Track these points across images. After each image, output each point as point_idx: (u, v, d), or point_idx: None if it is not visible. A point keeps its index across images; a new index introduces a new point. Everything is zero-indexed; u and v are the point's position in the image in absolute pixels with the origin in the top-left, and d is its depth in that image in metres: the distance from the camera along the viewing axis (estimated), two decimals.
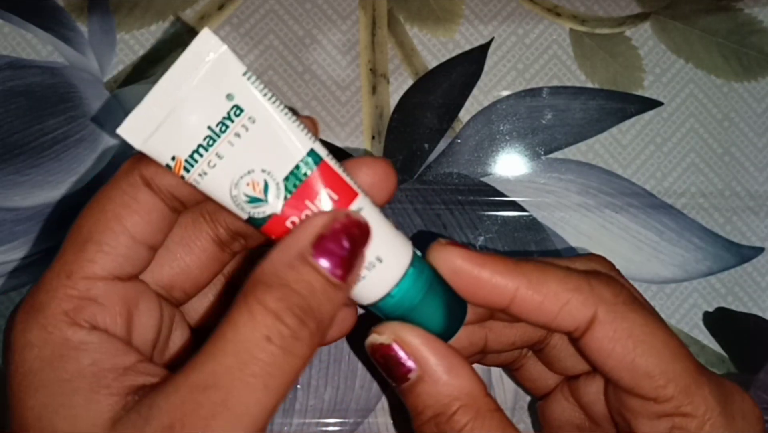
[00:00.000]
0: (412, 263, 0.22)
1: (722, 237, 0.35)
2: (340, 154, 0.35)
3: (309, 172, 0.21)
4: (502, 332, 0.27)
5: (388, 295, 0.22)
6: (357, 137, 0.35)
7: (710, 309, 0.35)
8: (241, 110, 0.20)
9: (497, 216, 0.35)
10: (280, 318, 0.19)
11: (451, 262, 0.23)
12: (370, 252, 0.22)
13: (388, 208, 0.35)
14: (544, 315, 0.23)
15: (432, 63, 0.36)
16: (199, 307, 0.26)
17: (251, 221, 0.21)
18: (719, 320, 0.35)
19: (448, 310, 0.23)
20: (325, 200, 0.21)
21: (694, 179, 0.36)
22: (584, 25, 0.36)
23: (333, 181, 0.21)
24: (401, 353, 0.22)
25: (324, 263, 0.20)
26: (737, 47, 0.36)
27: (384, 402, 0.34)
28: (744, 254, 0.35)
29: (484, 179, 0.35)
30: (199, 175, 0.21)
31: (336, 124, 0.35)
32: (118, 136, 0.21)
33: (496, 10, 0.36)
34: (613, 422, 0.26)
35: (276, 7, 0.36)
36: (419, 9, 0.36)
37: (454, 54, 0.36)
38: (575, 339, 0.24)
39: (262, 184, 0.21)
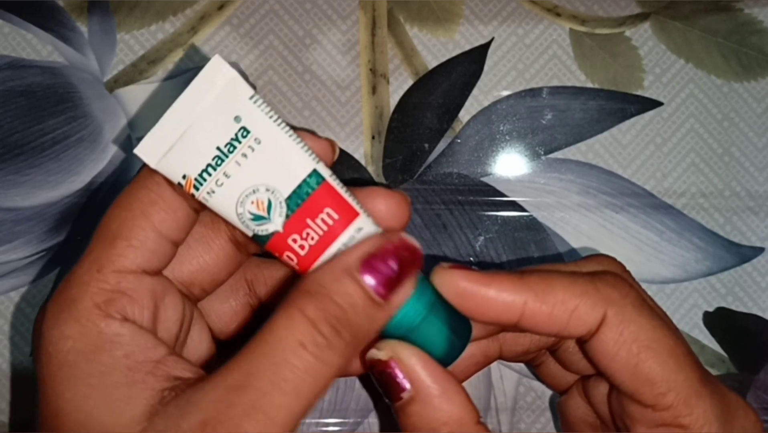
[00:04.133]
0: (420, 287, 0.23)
1: (722, 237, 0.35)
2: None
3: (311, 192, 0.22)
4: (515, 342, 0.27)
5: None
6: (357, 137, 0.35)
7: (710, 309, 0.35)
8: (248, 132, 0.22)
9: (497, 216, 0.35)
10: (316, 326, 0.20)
11: (456, 285, 0.23)
12: None
13: None
14: (555, 325, 0.23)
15: (432, 63, 0.36)
16: (219, 310, 0.26)
17: (255, 238, 0.23)
18: (719, 320, 0.35)
19: (450, 331, 0.23)
20: (325, 219, 0.22)
21: (694, 179, 0.36)
22: (584, 25, 0.36)
23: (334, 201, 0.22)
24: (397, 372, 0.23)
25: (369, 280, 0.21)
26: (737, 47, 0.36)
27: (384, 402, 0.34)
28: (744, 254, 0.35)
29: (484, 179, 0.35)
30: (208, 193, 0.22)
31: (336, 124, 0.35)
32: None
33: (496, 10, 0.36)
34: (614, 426, 0.26)
35: (276, 7, 0.36)
36: (419, 9, 0.36)
37: (454, 54, 0.36)
38: (583, 342, 0.24)
39: (266, 203, 0.22)
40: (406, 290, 0.21)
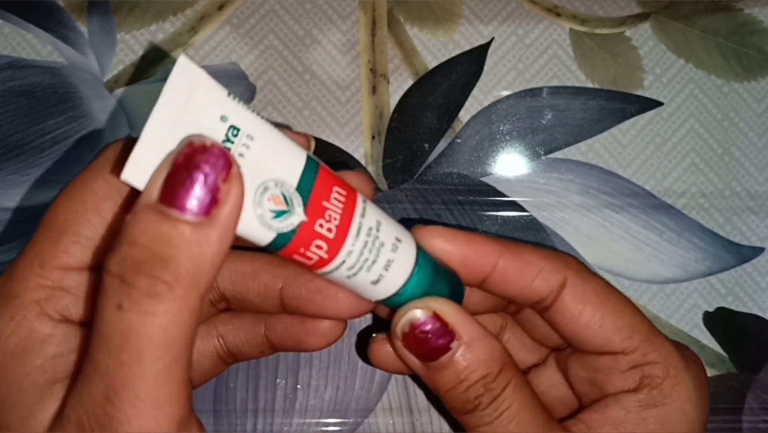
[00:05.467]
0: (418, 248, 0.23)
1: (722, 237, 0.35)
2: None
3: (315, 176, 0.21)
4: (480, 302, 0.28)
5: (415, 267, 0.23)
6: (357, 137, 0.35)
7: (710, 309, 0.35)
8: (238, 129, 0.20)
9: (497, 216, 0.35)
10: (124, 280, 0.17)
11: (439, 242, 0.24)
12: (390, 236, 0.22)
13: (389, 207, 0.35)
14: (522, 281, 0.25)
15: (432, 63, 0.36)
16: None
17: (277, 240, 0.21)
18: (719, 320, 0.35)
19: (452, 282, 0.24)
20: (337, 198, 0.21)
21: (694, 179, 0.36)
22: (584, 25, 0.36)
23: (335, 181, 0.22)
24: (441, 325, 0.23)
25: (174, 206, 0.18)
26: (737, 47, 0.36)
27: (384, 402, 0.34)
28: (744, 254, 0.35)
29: (484, 179, 0.35)
30: None
31: (336, 124, 0.35)
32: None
33: (496, 10, 0.36)
34: (578, 401, 0.27)
35: (276, 7, 0.36)
36: (419, 9, 0.36)
37: (454, 54, 0.36)
38: (546, 307, 0.25)
39: (281, 197, 0.20)
40: (230, 195, 0.18)
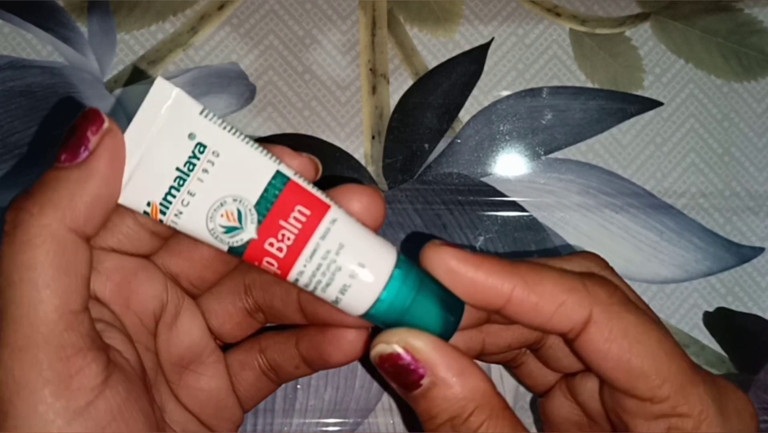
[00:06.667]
0: (397, 265, 0.22)
1: (722, 237, 0.35)
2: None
3: (278, 193, 0.22)
4: (498, 335, 0.27)
5: (378, 300, 0.22)
6: (357, 137, 0.35)
7: (710, 309, 0.35)
8: (204, 146, 0.21)
9: (497, 216, 0.35)
10: (8, 221, 0.20)
11: (446, 263, 0.22)
12: (350, 261, 0.22)
13: (389, 207, 0.35)
14: (540, 316, 0.23)
15: (432, 63, 0.36)
16: (215, 309, 0.26)
17: (231, 251, 0.22)
18: (719, 320, 0.35)
19: (444, 309, 0.23)
20: (297, 217, 0.22)
21: (694, 179, 0.36)
22: (584, 25, 0.36)
23: (303, 198, 0.22)
24: (411, 360, 0.22)
25: (57, 160, 0.21)
26: (737, 47, 0.36)
27: (384, 402, 0.34)
28: (744, 254, 0.35)
29: (484, 179, 0.35)
30: (175, 215, 0.22)
31: (336, 124, 0.35)
32: None
33: (496, 10, 0.36)
34: (608, 421, 0.26)
35: (276, 7, 0.36)
36: (419, 9, 0.36)
37: (454, 54, 0.36)
38: (570, 340, 0.24)
39: (235, 213, 0.22)
40: (100, 144, 0.21)
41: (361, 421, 0.34)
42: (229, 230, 0.22)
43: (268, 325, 0.27)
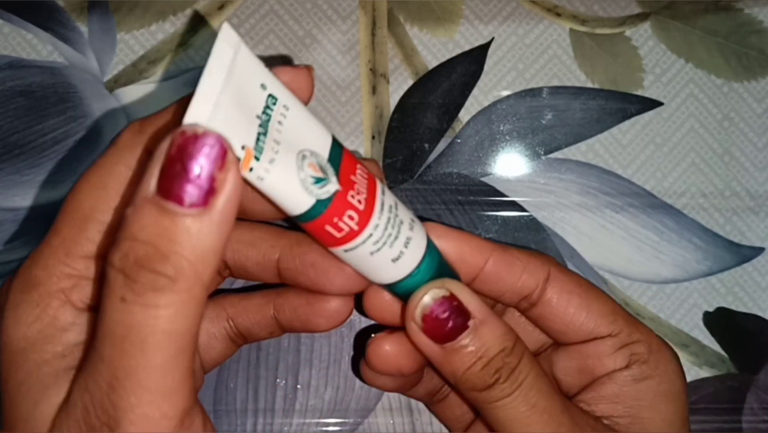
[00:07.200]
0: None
1: (722, 237, 0.35)
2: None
3: (340, 152, 0.22)
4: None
5: (428, 247, 0.24)
6: (357, 137, 0.35)
7: (710, 309, 0.35)
8: (276, 99, 0.21)
9: (497, 216, 0.35)
10: (127, 275, 0.18)
11: (436, 238, 0.25)
12: (406, 214, 0.23)
13: None
14: (512, 275, 0.26)
15: (432, 63, 0.36)
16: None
17: (316, 206, 0.21)
18: (719, 320, 0.35)
19: (452, 274, 0.25)
20: (361, 174, 0.22)
21: (694, 179, 0.36)
22: (584, 25, 0.36)
23: (357, 161, 0.23)
24: (457, 304, 0.24)
25: (171, 198, 0.17)
26: (737, 47, 0.36)
27: (384, 402, 0.34)
28: (744, 254, 0.35)
29: (484, 179, 0.35)
30: (270, 162, 0.20)
31: (336, 124, 0.35)
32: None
33: (496, 10, 0.36)
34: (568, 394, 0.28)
35: (276, 7, 0.36)
36: (419, 9, 0.36)
37: (454, 54, 0.36)
38: (533, 304, 0.26)
39: (317, 165, 0.21)
40: (229, 185, 0.18)
41: (361, 421, 0.34)
42: (318, 180, 0.21)
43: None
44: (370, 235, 0.22)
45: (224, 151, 0.18)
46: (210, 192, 0.18)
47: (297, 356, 0.34)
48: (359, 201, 0.22)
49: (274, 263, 0.25)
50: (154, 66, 0.35)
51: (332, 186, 0.21)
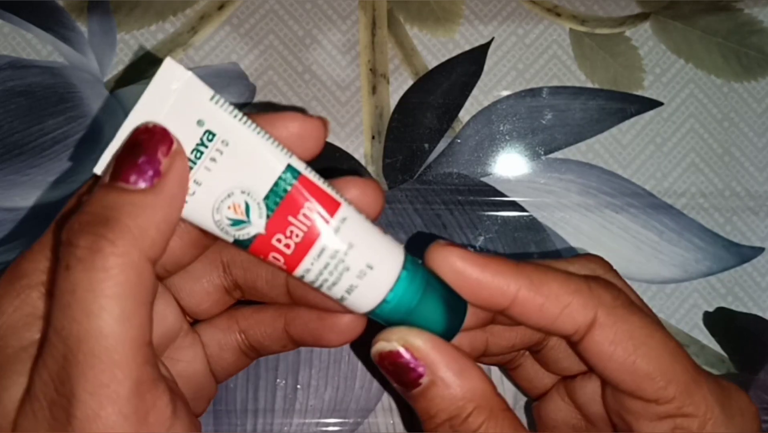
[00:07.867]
0: (404, 266, 0.22)
1: (722, 237, 0.35)
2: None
3: (288, 188, 0.21)
4: (502, 335, 0.27)
5: (383, 301, 0.22)
6: (357, 137, 0.35)
7: (710, 309, 0.35)
8: (213, 134, 0.21)
9: (497, 216, 0.35)
10: (70, 242, 0.19)
11: (452, 263, 0.22)
12: (359, 262, 0.21)
13: (389, 207, 0.35)
14: (545, 317, 0.23)
15: (432, 63, 0.36)
16: (190, 289, 0.26)
17: (237, 243, 0.21)
18: (719, 320, 0.35)
19: (447, 309, 0.23)
20: (307, 214, 0.21)
21: (694, 179, 0.36)
22: (584, 25, 0.36)
23: (314, 194, 0.21)
24: (411, 359, 0.22)
25: (120, 179, 0.20)
26: (737, 47, 0.36)
27: (384, 402, 0.34)
28: (744, 254, 0.35)
29: (484, 179, 0.35)
30: (187, 202, 0.21)
31: (336, 124, 0.35)
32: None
33: (496, 10, 0.36)
34: (611, 424, 0.26)
35: (276, 7, 0.36)
36: (419, 9, 0.36)
37: (454, 54, 0.36)
38: (574, 343, 0.24)
39: (243, 206, 0.21)
40: (171, 167, 0.20)
41: (361, 421, 0.34)
42: (236, 222, 0.21)
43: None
44: (302, 276, 0.22)
45: (170, 140, 0.20)
46: (156, 174, 0.20)
47: (297, 356, 0.34)
48: (287, 245, 0.21)
49: (284, 280, 0.25)
50: (154, 66, 0.35)
51: (253, 229, 0.21)
